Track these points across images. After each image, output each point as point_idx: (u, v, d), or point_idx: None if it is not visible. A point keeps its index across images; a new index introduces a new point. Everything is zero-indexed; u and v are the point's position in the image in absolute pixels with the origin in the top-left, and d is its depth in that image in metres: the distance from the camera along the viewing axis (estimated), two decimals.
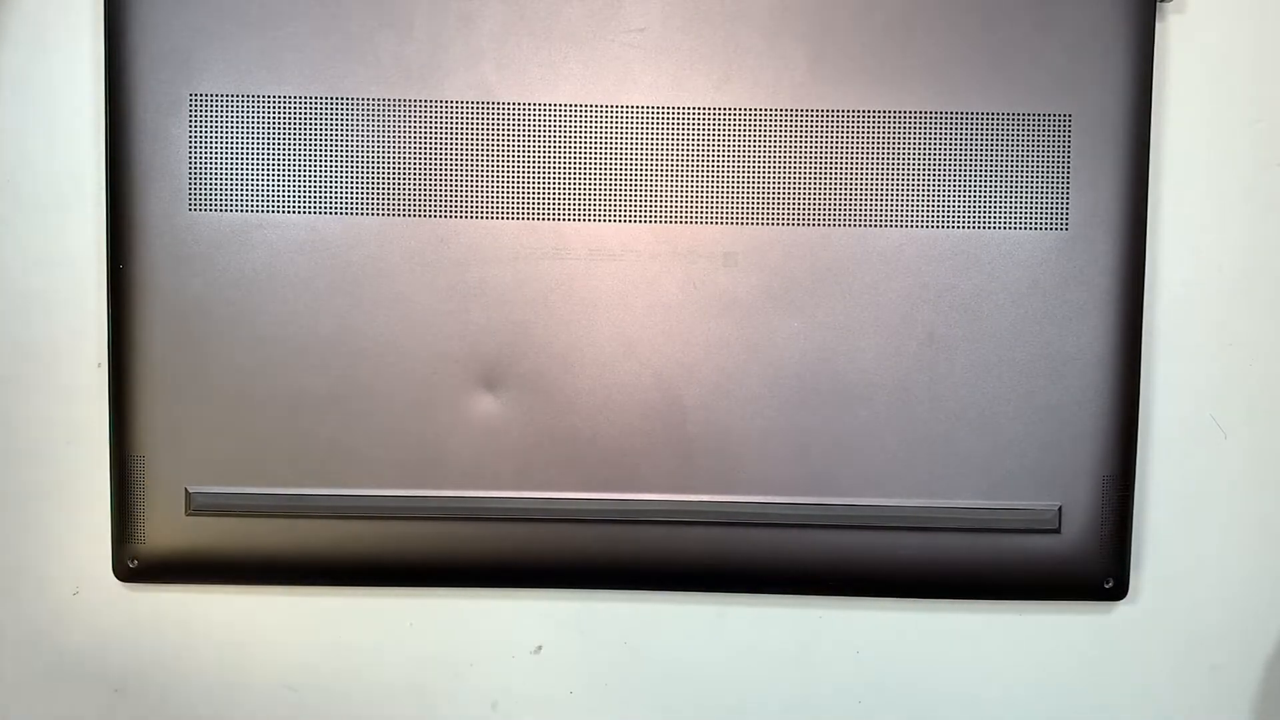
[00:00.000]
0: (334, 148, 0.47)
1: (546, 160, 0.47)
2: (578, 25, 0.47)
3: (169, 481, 0.48)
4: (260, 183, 0.47)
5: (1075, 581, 0.49)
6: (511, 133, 0.47)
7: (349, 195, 0.47)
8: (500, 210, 0.47)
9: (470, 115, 0.47)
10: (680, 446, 0.48)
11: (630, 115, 0.47)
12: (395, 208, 0.47)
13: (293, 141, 0.47)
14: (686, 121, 0.47)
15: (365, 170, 0.47)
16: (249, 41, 0.47)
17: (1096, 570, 0.48)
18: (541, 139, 0.47)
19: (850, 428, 0.48)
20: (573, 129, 0.47)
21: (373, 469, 0.48)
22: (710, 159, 0.47)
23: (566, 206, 0.47)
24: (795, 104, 0.47)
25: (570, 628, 0.51)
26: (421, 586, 0.50)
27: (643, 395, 0.48)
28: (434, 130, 0.47)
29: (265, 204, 0.47)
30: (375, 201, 0.47)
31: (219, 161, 0.47)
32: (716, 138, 0.47)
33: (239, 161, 0.47)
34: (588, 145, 0.47)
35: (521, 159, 0.47)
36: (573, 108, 0.47)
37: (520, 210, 0.47)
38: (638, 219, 0.47)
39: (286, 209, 0.47)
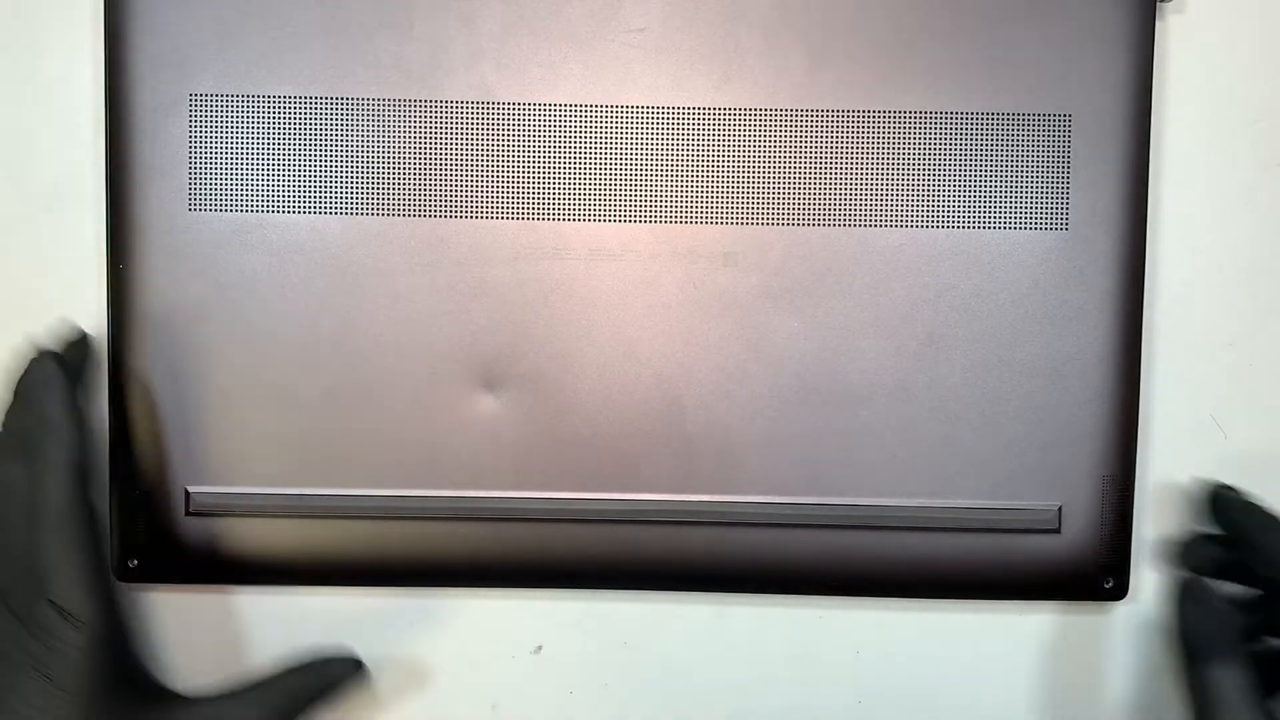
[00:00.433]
0: (334, 148, 0.47)
1: (546, 160, 0.47)
2: (578, 25, 0.47)
3: (169, 481, 0.48)
4: (260, 183, 0.47)
5: (1075, 581, 0.49)
6: (511, 133, 0.47)
7: (349, 195, 0.47)
8: (500, 210, 0.47)
9: (470, 115, 0.47)
10: (680, 446, 0.48)
11: (630, 115, 0.47)
12: (395, 208, 0.47)
13: (293, 141, 0.47)
14: (686, 121, 0.47)
15: (365, 170, 0.47)
16: (249, 41, 0.47)
17: (1096, 570, 0.48)
18: (541, 139, 0.47)
19: (850, 428, 0.48)
20: (573, 129, 0.47)
21: (373, 469, 0.48)
22: (710, 159, 0.47)
23: (566, 206, 0.47)
24: (795, 104, 0.47)
25: (570, 628, 0.51)
26: (421, 586, 0.50)
27: (643, 395, 0.48)
28: (434, 130, 0.47)
29: (265, 204, 0.47)
30: (375, 201, 0.47)
31: (219, 161, 0.47)
32: (716, 138, 0.47)
33: (239, 161, 0.47)
34: (588, 145, 0.47)
35: (521, 159, 0.47)
36: (573, 108, 0.47)
37: (520, 210, 0.47)
38: (638, 219, 0.47)
39: (287, 209, 0.47)
